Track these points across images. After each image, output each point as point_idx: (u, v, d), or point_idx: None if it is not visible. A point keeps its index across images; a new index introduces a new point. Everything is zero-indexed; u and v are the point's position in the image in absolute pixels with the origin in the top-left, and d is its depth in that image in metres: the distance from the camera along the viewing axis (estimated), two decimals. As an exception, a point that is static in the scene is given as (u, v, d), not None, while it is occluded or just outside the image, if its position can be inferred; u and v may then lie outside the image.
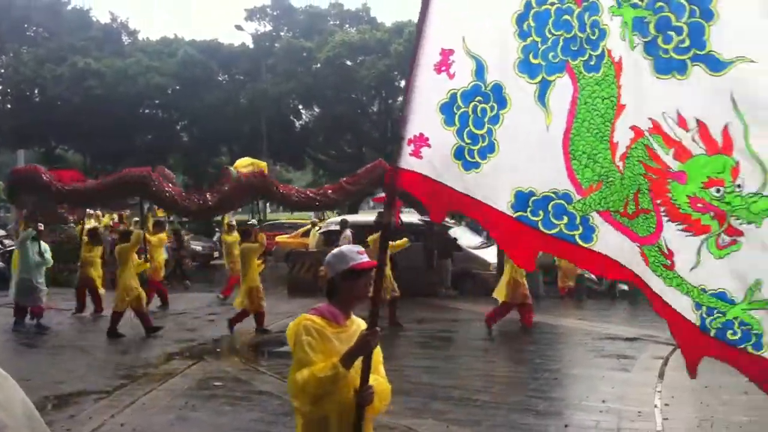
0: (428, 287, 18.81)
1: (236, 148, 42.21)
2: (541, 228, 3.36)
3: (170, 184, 17.22)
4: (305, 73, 39.96)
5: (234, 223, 21.77)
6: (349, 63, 39.33)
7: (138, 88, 39.39)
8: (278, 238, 29.31)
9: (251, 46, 44.34)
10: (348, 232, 18.97)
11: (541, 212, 3.36)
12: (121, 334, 13.87)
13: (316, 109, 43.60)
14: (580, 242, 3.32)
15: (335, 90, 39.02)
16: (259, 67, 40.78)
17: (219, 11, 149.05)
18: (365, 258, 3.80)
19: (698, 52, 2.80)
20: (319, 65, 39.91)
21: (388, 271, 13.79)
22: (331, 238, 20.42)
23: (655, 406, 8.53)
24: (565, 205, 3.31)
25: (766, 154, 2.76)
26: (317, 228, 25.15)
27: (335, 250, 3.94)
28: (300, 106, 44.16)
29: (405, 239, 14.02)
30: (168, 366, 11.44)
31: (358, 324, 3.90)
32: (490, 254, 19.34)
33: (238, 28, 42.34)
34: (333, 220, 23.55)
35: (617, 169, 3.15)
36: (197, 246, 29.14)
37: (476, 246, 20.68)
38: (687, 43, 2.82)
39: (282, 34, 44.96)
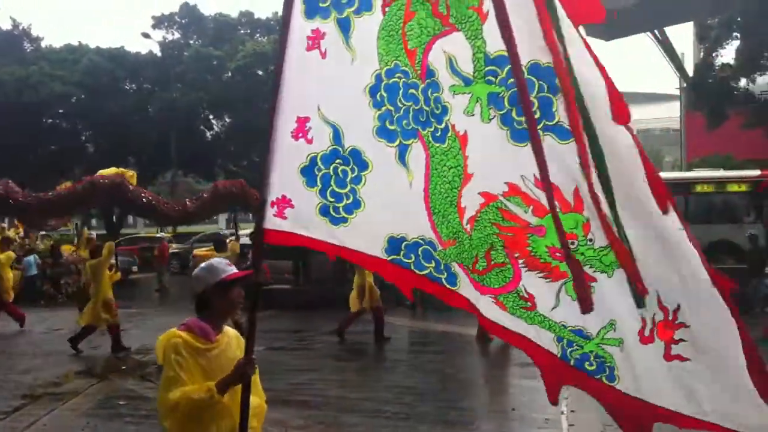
0: (341, 300, 18.68)
1: (144, 158, 41.24)
2: (414, 269, 3.59)
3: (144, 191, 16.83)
4: (215, 83, 39.43)
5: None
6: (260, 72, 39.00)
7: (41, 97, 38.04)
8: (196, 251, 28.89)
9: (159, 54, 43.42)
10: None
11: (412, 255, 3.58)
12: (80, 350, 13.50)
13: (228, 119, 43.04)
14: (447, 285, 3.56)
15: (246, 100, 38.59)
16: (167, 75, 39.97)
17: (126, 19, 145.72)
18: (234, 269, 3.83)
19: (548, 123, 3.12)
20: (229, 74, 39.39)
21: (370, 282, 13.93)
22: (244, 251, 20.19)
23: (562, 412, 8.67)
24: (432, 251, 3.55)
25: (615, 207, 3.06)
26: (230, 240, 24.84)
27: (204, 264, 3.92)
28: (211, 116, 43.52)
29: None
30: (71, 385, 11.04)
31: (229, 336, 3.88)
32: None
33: (145, 36, 41.46)
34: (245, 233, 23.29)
35: (465, 232, 3.43)
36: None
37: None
38: (538, 115, 3.12)
39: (191, 42, 44.21)
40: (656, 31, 45.10)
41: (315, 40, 3.60)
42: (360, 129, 3.57)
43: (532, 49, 3.11)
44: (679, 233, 3.09)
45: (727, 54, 37.02)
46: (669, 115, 63.33)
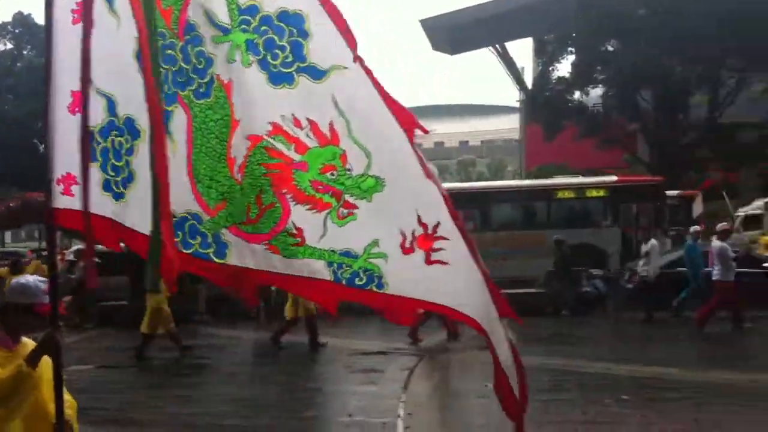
0: (180, 313, 18.13)
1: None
2: (181, 248, 3.64)
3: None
4: (51, 93, 37.52)
5: None
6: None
7: None
8: None
9: (-10, 64, 41.17)
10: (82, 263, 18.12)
11: (180, 233, 3.65)
12: None
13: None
14: (215, 259, 3.66)
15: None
16: (-2, 87, 37.98)
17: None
18: (46, 298, 3.71)
19: (301, 65, 3.40)
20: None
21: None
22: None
23: (398, 416, 8.71)
24: (197, 225, 3.65)
25: (366, 143, 3.42)
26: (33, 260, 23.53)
27: (22, 279, 3.86)
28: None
29: None
30: None
31: (30, 346, 3.72)
32: None
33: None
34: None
35: (236, 182, 3.57)
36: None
37: None
38: (291, 58, 3.40)
39: (25, 53, 42.22)
40: (498, 46, 46.83)
41: (80, 12, 3.62)
42: (132, 96, 3.60)
43: None
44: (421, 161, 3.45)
45: (563, 68, 38.95)
46: (511, 126, 65.97)
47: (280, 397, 10.45)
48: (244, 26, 3.47)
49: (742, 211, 29.23)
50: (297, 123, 3.45)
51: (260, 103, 3.50)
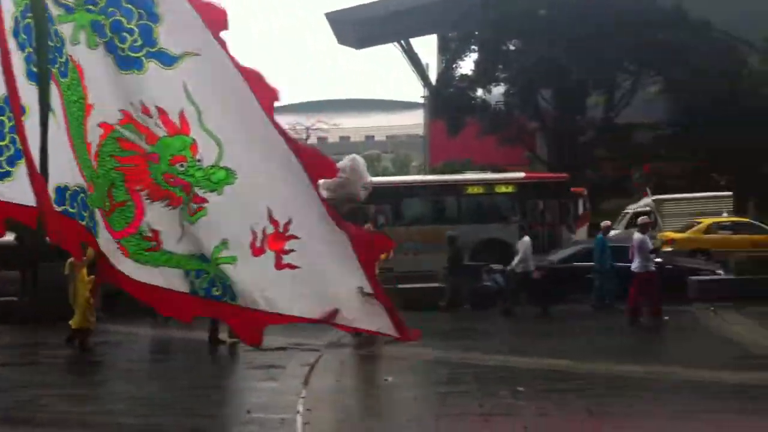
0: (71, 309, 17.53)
1: None
2: (78, 220, 3.57)
3: None
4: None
5: None
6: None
7: None
8: None
9: None
10: None
11: (75, 205, 3.56)
12: None
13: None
14: (93, 234, 3.61)
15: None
16: None
17: None
18: None
19: (150, 50, 3.26)
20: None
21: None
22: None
23: (298, 412, 8.65)
24: (85, 198, 3.56)
25: (219, 132, 3.27)
26: None
27: None
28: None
29: None
30: None
31: None
32: None
33: None
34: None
35: (94, 168, 3.47)
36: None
37: None
38: (139, 42, 3.26)
39: None
40: (403, 42, 47.13)
41: None
42: (13, 73, 3.48)
43: None
44: (284, 153, 3.32)
45: (466, 66, 39.57)
46: (416, 122, 66.50)
47: (177, 394, 10.23)
48: (89, 6, 3.33)
49: (630, 209, 30.34)
50: (145, 111, 3.32)
51: (110, 89, 3.37)
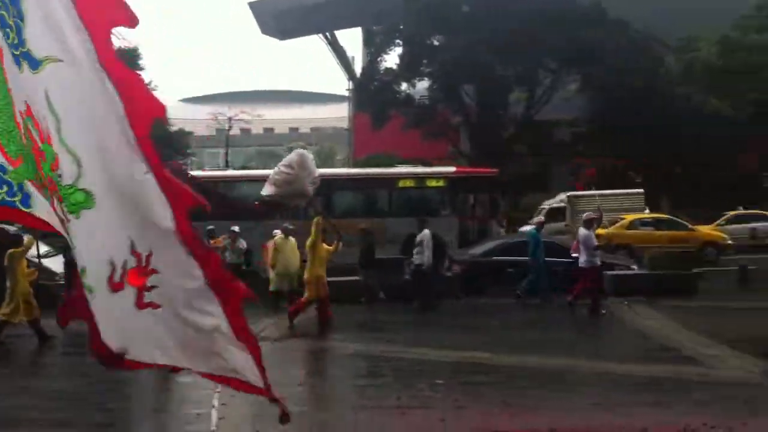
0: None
1: None
2: None
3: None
4: None
5: None
6: None
7: None
8: None
9: None
10: None
11: None
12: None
13: None
14: (21, 207, 3.40)
15: None
16: None
17: None
18: None
19: (23, 50, 3.01)
20: None
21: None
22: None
23: (213, 406, 8.47)
24: (2, 174, 3.35)
25: (79, 149, 2.96)
26: None
27: None
28: None
29: None
30: None
31: None
32: (56, 264, 17.96)
33: None
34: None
35: (24, 145, 3.25)
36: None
37: (44, 255, 19.10)
38: (17, 40, 3.01)
39: None
40: (327, 34, 46.96)
41: None
42: None
43: None
44: (147, 178, 2.97)
45: (391, 59, 39.67)
46: (341, 114, 66.41)
47: (87, 388, 9.93)
48: None
49: (546, 204, 30.96)
50: (28, 111, 3.08)
51: (17, 80, 3.15)
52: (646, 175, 37.12)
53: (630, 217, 26.02)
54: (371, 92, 38.78)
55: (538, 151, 39.40)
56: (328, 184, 24.56)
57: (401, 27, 37.70)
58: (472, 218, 24.27)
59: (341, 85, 67.17)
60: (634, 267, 18.98)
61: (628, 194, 29.78)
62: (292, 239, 15.97)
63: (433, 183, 24.93)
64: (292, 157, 17.18)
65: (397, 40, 38.65)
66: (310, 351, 12.25)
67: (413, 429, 7.65)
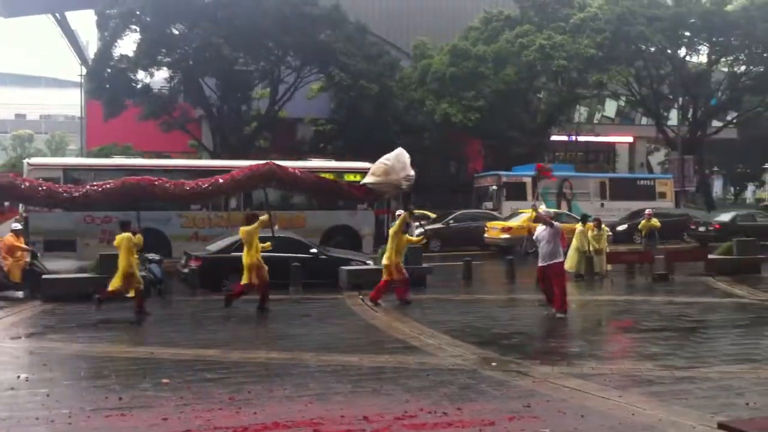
0: None
1: None
2: None
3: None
4: None
5: None
6: None
7: None
8: None
9: None
10: None
11: None
12: None
13: None
14: None
15: None
16: None
17: None
18: None
19: None
20: None
21: None
22: None
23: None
24: None
25: None
26: None
27: None
28: None
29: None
30: None
31: None
32: None
33: None
34: None
35: None
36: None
37: None
38: None
39: None
40: (58, 15, 43.91)
41: None
42: None
43: None
44: None
45: (127, 46, 37.96)
46: (73, 102, 62.53)
47: None
48: None
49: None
50: None
51: None
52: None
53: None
54: (104, 79, 36.69)
55: (281, 148, 39.66)
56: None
57: (137, 12, 36.02)
58: (388, 211, 24.21)
59: (74, 71, 63.16)
60: (369, 262, 19.60)
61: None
62: None
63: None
64: (392, 153, 19.78)
65: (134, 26, 36.92)
66: (25, 352, 11.33)
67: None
